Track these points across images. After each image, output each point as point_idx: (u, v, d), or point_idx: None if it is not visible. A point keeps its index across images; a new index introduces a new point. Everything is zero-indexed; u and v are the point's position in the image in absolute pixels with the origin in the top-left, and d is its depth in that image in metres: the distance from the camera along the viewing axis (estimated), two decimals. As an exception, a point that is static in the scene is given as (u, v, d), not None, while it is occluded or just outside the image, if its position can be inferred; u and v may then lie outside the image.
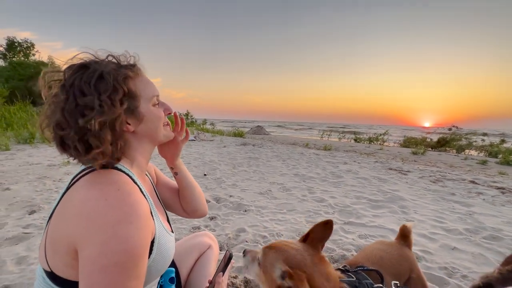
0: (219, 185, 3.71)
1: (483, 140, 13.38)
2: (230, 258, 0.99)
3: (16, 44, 24.46)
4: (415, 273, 1.08)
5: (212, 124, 24.42)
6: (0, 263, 1.64)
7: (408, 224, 1.19)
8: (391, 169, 5.30)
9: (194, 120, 22.83)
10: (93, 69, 0.68)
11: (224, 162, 5.26)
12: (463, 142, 12.11)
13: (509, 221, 2.70)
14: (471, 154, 10.51)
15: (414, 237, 2.21)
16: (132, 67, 0.76)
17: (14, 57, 23.98)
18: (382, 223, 2.52)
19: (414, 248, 2.05)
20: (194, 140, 9.14)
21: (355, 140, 15.39)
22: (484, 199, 3.52)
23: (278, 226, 2.38)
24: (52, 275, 0.65)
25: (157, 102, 0.81)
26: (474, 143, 12.00)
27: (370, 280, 0.89)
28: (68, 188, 0.66)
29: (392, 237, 2.24)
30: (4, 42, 24.19)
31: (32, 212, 2.47)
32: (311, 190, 3.59)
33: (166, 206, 1.04)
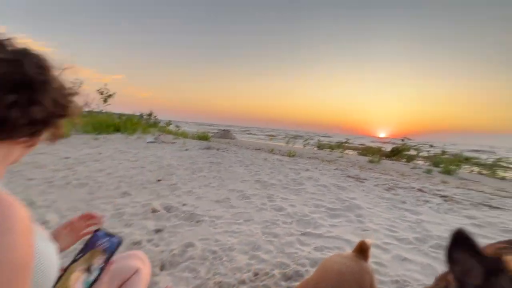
0: (173, 192, 3.40)
1: (428, 151, 14.83)
2: (118, 244, 0.79)
3: None
4: (374, 287, 1.04)
5: (177, 126, 23.51)
6: None
7: (368, 241, 1.17)
8: (349, 176, 5.46)
9: (157, 121, 21.90)
10: None
11: (183, 166, 4.93)
12: (413, 152, 13.22)
13: (452, 228, 2.85)
14: (419, 164, 11.50)
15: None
16: None
17: None
18: (339, 234, 2.48)
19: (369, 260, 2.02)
20: (154, 142, 8.55)
21: (318, 147, 15.90)
22: (430, 207, 3.74)
23: (232, 239, 2.19)
24: None
25: None
26: (421, 154, 13.21)
27: None
28: None
29: (348, 249, 2.19)
30: None
31: None
32: (271, 198, 3.47)
33: None
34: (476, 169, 10.47)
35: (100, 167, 4.39)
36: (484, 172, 9.96)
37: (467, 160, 11.65)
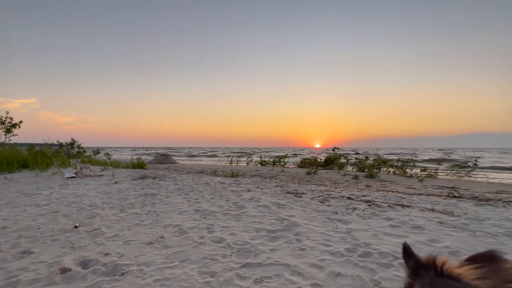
0: (93, 239, 2.92)
1: (356, 158, 16.63)
2: None
3: None
4: None
5: (107, 154, 20.84)
6: None
7: None
8: (289, 192, 5.68)
9: (81, 150, 19.02)
10: None
11: (110, 204, 4.33)
12: (342, 160, 14.66)
13: (375, 233, 3.18)
14: (348, 171, 12.79)
15: (305, 269, 2.26)
16: None
17: None
18: (278, 258, 2.48)
19: (306, 283, 2.05)
20: (75, 178, 7.38)
21: (261, 163, 16.15)
22: (357, 214, 4.13)
23: (163, 289, 1.95)
24: None
25: None
26: (350, 161, 14.73)
27: None
28: None
29: (287, 274, 2.19)
30: None
31: None
32: (211, 229, 3.31)
33: None
34: (391, 170, 12.24)
35: (-8, 221, 3.51)
36: (397, 172, 11.74)
37: (384, 163, 13.54)
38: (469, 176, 11.32)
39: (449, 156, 32.72)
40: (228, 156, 23.64)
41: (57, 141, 16.99)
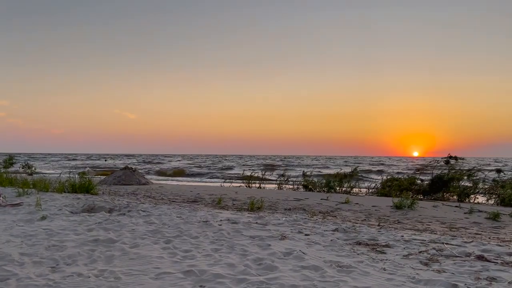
0: None
1: (494, 179, 9.09)
2: None
3: None
4: None
5: (27, 165, 13.14)
6: None
7: None
8: (360, 243, 3.25)
9: None
10: None
11: (34, 257, 2.60)
12: (466, 183, 8.70)
13: None
14: (477, 203, 7.60)
15: None
16: None
17: None
18: None
19: None
20: None
21: (305, 186, 10.44)
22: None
23: None
24: None
25: None
26: (478, 184, 8.59)
27: None
28: None
29: None
30: None
31: None
32: None
33: None
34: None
35: None
36: None
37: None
38: None
39: None
40: (243, 168, 14.59)
41: None
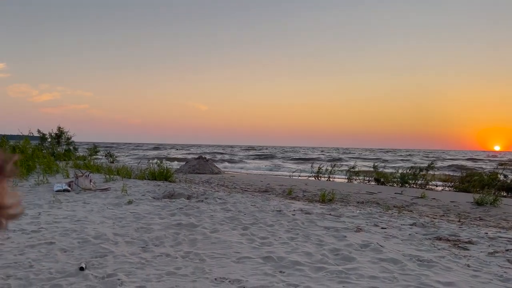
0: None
1: None
2: None
3: None
4: None
5: (108, 154, 13.74)
6: None
7: None
8: (440, 238, 3.06)
9: (71, 147, 12.04)
10: None
11: (125, 237, 2.83)
12: None
13: None
14: None
15: None
16: None
17: None
18: None
19: None
20: (68, 191, 5.14)
21: (377, 180, 9.84)
22: None
23: None
24: None
25: None
26: None
27: None
28: None
29: None
30: None
31: None
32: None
33: None
34: None
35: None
36: None
37: None
38: None
39: None
40: (312, 163, 13.50)
41: (38, 131, 11.40)
